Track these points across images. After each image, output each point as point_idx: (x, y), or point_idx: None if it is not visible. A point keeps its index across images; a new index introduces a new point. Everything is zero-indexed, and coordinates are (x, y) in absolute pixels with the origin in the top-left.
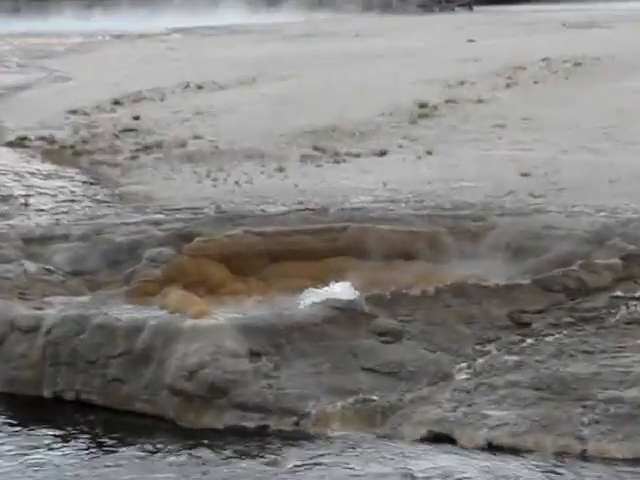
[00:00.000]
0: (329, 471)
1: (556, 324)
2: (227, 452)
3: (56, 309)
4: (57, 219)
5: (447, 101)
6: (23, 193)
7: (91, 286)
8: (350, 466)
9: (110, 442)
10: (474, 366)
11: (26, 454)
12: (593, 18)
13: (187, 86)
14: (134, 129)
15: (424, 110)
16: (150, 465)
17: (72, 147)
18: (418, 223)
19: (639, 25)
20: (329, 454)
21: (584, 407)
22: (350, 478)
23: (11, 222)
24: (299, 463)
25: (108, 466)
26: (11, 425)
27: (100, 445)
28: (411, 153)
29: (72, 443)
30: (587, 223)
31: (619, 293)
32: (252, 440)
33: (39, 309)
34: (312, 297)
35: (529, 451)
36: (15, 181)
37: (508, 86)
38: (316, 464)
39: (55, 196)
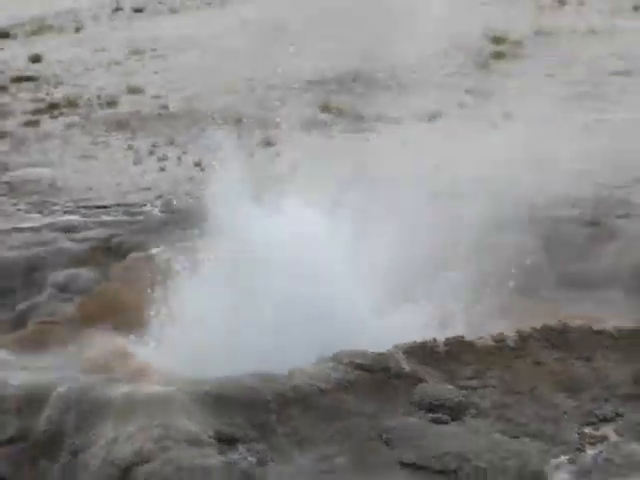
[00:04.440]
0: None
1: None
2: None
3: None
4: None
5: (537, 32)
6: None
7: None
8: None
9: None
10: (581, 461)
11: None
12: None
13: (118, 8)
14: (32, 77)
15: (501, 47)
16: None
17: None
18: (489, 227)
19: None
20: None
21: None
22: None
23: None
24: None
25: None
26: None
27: None
28: (479, 117)
29: None
30: None
31: None
32: None
33: None
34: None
35: None
36: None
37: (638, 9)
38: None
39: None
